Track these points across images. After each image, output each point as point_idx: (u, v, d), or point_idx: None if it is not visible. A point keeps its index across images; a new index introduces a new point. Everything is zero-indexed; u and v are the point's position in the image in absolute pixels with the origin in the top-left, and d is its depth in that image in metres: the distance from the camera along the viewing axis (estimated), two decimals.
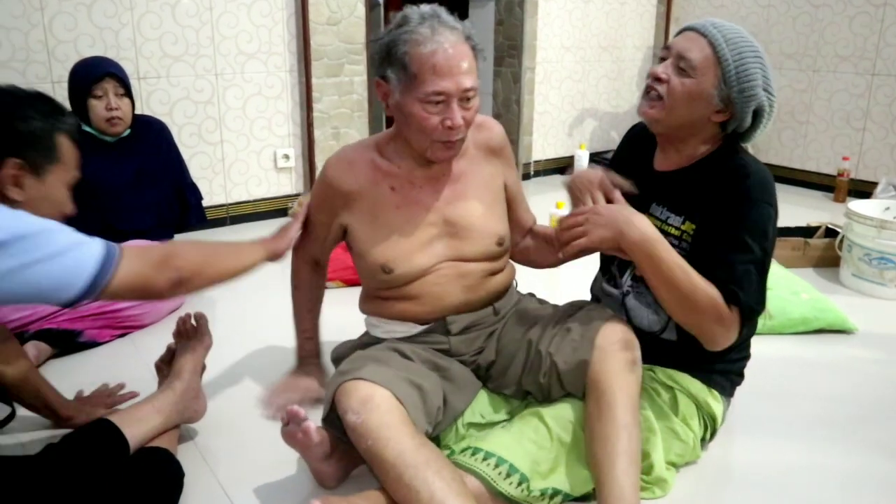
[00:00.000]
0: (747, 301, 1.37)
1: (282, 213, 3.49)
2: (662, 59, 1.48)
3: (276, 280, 2.73)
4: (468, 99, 1.42)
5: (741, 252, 1.38)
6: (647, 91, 1.48)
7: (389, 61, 1.41)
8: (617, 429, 1.32)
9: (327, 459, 1.43)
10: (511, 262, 1.72)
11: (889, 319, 2.43)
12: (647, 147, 1.61)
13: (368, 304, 1.65)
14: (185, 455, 1.56)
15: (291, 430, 1.37)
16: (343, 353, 1.65)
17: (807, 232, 3.01)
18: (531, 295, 1.76)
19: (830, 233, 2.94)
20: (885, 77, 3.83)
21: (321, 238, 1.65)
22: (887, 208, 2.78)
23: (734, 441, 1.70)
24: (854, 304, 2.52)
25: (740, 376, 1.65)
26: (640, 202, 1.54)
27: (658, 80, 1.45)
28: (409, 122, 1.44)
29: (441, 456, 1.32)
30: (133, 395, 1.81)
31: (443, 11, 1.43)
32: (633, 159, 1.63)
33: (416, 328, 1.59)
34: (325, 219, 1.61)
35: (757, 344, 2.18)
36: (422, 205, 1.54)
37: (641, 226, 1.37)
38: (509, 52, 4.20)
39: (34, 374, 1.59)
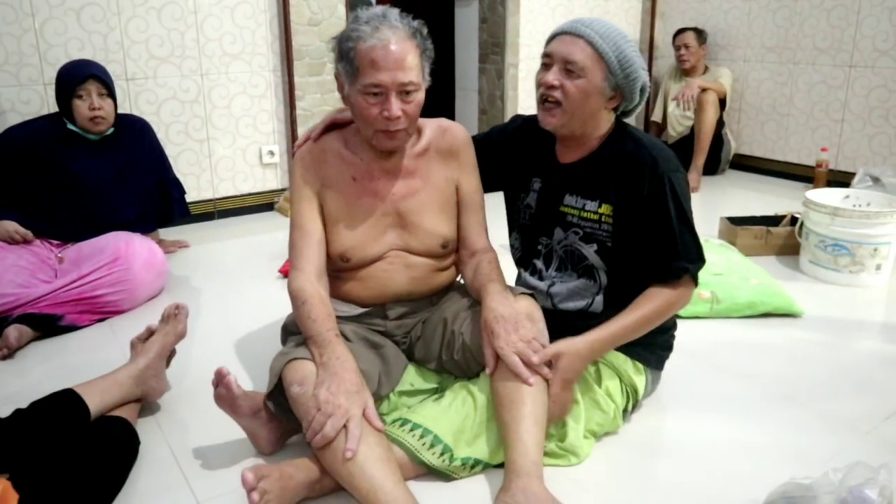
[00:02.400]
0: (694, 267, 1.59)
1: (268, 207, 3.64)
2: (546, 66, 1.57)
3: (262, 271, 2.87)
4: (407, 93, 1.51)
5: (674, 228, 1.56)
6: (544, 100, 1.58)
7: (340, 56, 1.54)
8: (522, 394, 1.44)
9: (262, 424, 1.55)
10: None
11: (838, 304, 2.50)
12: (545, 141, 1.70)
13: None
14: (144, 426, 1.69)
15: (219, 390, 1.50)
16: (290, 323, 1.76)
17: (773, 221, 3.08)
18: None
19: (796, 221, 3.01)
20: (862, 69, 3.89)
21: (317, 228, 1.64)
22: (847, 196, 2.85)
23: (665, 415, 1.79)
24: (809, 290, 2.61)
25: (667, 350, 1.76)
26: (553, 195, 1.68)
27: (552, 87, 1.55)
28: (356, 112, 1.57)
29: (368, 425, 1.42)
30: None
31: (393, 12, 1.53)
32: (536, 153, 1.73)
33: (358, 310, 1.72)
34: (311, 203, 1.64)
35: (702, 326, 2.30)
36: (378, 196, 1.65)
37: (573, 348, 1.53)
38: (493, 49, 4.31)
39: None
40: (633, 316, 1.58)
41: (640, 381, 1.68)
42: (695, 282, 1.61)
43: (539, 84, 1.58)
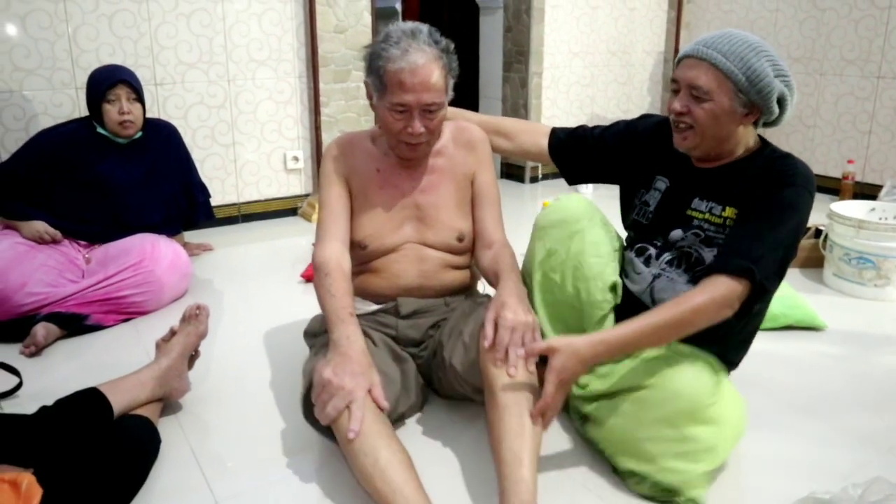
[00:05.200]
0: (762, 279, 1.40)
1: (292, 212, 3.68)
2: (675, 92, 1.55)
3: (285, 275, 2.91)
4: (430, 111, 1.62)
5: (769, 229, 1.44)
6: (676, 125, 1.56)
7: (370, 70, 1.64)
8: (521, 427, 1.40)
9: None
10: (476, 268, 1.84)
11: (862, 318, 2.47)
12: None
13: None
14: (166, 426, 1.72)
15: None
16: (314, 327, 1.80)
17: None
18: (487, 297, 1.81)
19: (820, 234, 2.98)
20: (891, 80, 3.84)
21: (344, 207, 1.73)
22: (872, 209, 2.82)
23: None
24: (833, 304, 2.57)
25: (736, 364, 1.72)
26: (681, 197, 1.64)
27: (680, 113, 1.53)
28: (382, 123, 1.68)
29: (392, 431, 1.43)
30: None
31: (422, 31, 1.60)
32: (666, 153, 1.68)
33: (372, 306, 1.77)
34: (341, 188, 1.74)
35: None
36: (399, 188, 1.75)
37: (570, 347, 1.38)
38: (517, 57, 4.32)
39: None
40: (662, 315, 1.39)
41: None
42: (753, 292, 1.41)
43: (669, 111, 1.56)
